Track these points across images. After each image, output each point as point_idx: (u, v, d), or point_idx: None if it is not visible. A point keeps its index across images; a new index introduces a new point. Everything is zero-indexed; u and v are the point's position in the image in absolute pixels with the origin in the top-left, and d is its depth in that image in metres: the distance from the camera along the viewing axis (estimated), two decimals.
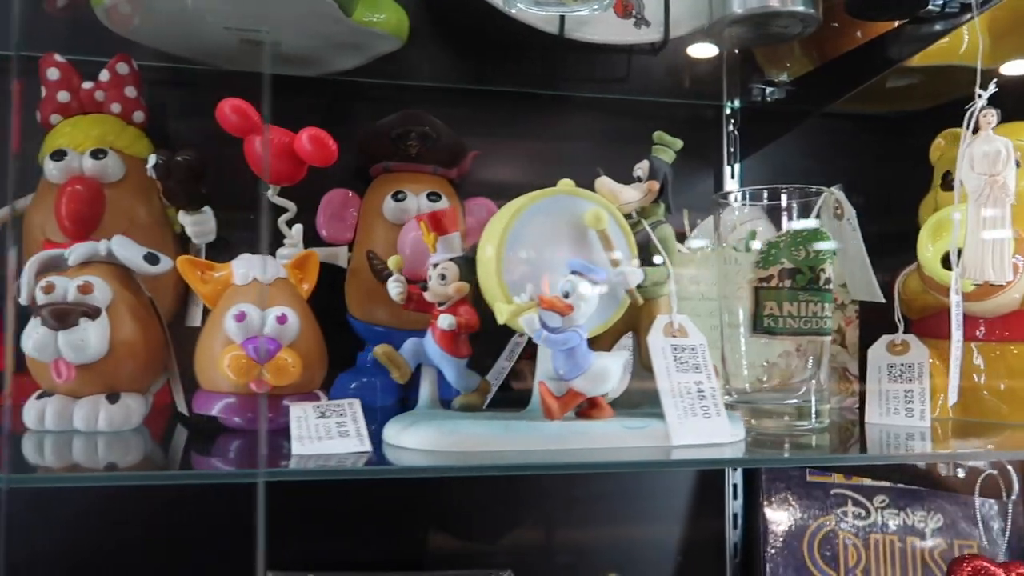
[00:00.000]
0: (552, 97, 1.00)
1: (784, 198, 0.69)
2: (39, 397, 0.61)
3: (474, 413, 0.62)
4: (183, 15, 0.76)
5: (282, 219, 0.74)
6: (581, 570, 0.96)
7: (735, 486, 1.01)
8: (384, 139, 0.82)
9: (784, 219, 0.69)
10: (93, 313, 0.59)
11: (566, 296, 0.56)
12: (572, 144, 1.01)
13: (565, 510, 0.97)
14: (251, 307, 0.59)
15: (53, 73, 0.79)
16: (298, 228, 0.75)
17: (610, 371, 0.57)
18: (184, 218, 0.74)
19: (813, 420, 0.68)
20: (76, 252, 0.63)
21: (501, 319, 0.57)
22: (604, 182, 0.63)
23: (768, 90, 0.95)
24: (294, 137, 0.67)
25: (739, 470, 1.01)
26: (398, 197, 0.81)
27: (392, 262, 0.64)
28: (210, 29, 0.79)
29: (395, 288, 0.63)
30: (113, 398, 0.61)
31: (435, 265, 0.62)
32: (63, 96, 0.79)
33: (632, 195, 0.64)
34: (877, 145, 1.05)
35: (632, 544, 1.00)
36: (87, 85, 0.80)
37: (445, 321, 0.60)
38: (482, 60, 0.97)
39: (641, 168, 0.65)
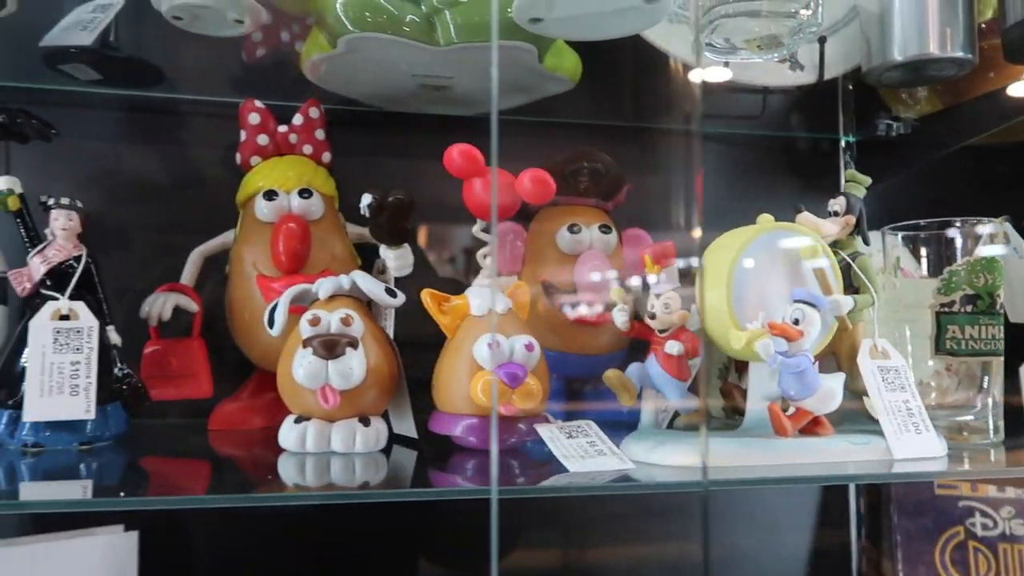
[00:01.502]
0: (683, 133, 1.06)
1: (955, 229, 0.75)
2: (297, 421, 0.66)
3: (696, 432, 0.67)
4: (381, 66, 0.82)
5: (481, 252, 0.79)
6: None
7: (859, 499, 1.07)
8: (556, 175, 0.88)
9: (958, 249, 0.74)
10: (355, 343, 0.64)
11: (796, 323, 0.62)
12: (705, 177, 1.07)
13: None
14: (501, 336, 0.64)
15: (254, 118, 0.84)
16: (491, 260, 0.80)
17: (836, 392, 0.62)
18: (386, 253, 0.80)
19: (991, 435, 0.73)
20: (324, 287, 0.68)
21: (737, 345, 0.63)
22: (807, 217, 0.69)
23: (894, 125, 1.01)
24: (515, 179, 0.72)
25: (864, 485, 1.06)
26: (573, 230, 0.86)
27: (615, 294, 0.70)
28: (398, 76, 0.85)
29: (621, 317, 0.68)
30: (365, 421, 0.66)
31: (658, 295, 0.67)
32: (262, 139, 0.84)
33: (831, 229, 0.69)
34: (992, 176, 1.11)
35: (761, 553, 1.05)
36: (282, 129, 0.85)
37: (674, 347, 0.65)
38: (621, 96, 1.04)
39: (838, 204, 0.71)
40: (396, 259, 0.80)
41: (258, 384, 0.85)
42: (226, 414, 0.83)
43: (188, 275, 0.83)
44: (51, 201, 0.71)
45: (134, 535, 0.83)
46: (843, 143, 1.09)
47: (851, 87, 1.02)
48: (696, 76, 0.80)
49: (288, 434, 0.66)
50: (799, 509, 1.07)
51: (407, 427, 0.72)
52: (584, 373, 0.86)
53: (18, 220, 0.71)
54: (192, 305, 0.80)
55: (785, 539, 1.07)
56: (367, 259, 0.87)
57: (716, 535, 1.03)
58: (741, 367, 0.74)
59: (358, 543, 0.92)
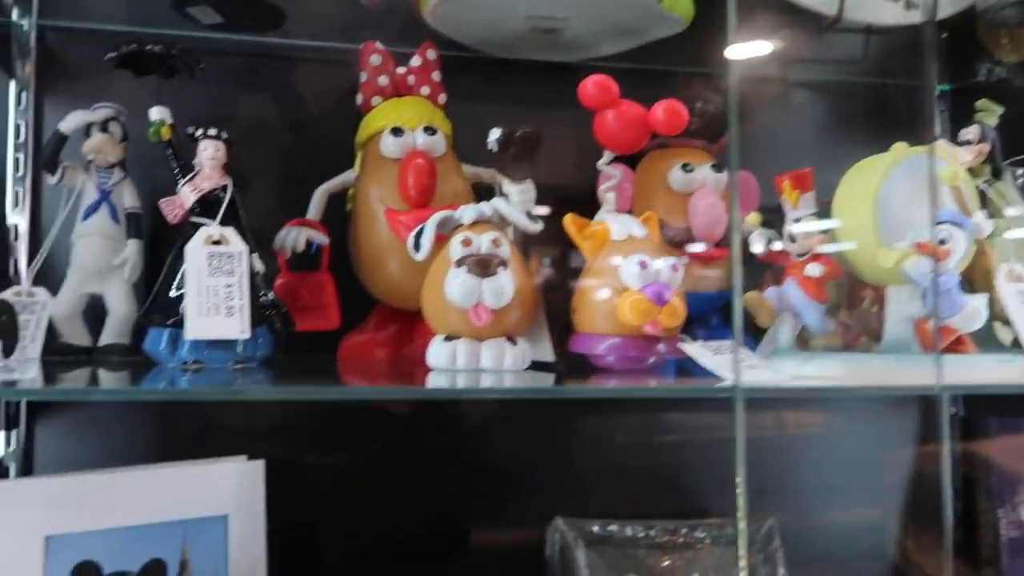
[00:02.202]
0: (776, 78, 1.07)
1: None
2: (446, 339, 0.68)
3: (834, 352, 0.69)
4: (496, 6, 0.83)
5: (605, 187, 0.81)
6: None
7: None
8: None
9: None
10: (505, 264, 0.66)
11: (942, 243, 0.63)
12: (795, 124, 1.08)
13: None
14: (647, 256, 0.66)
15: (375, 59, 0.86)
16: (612, 195, 0.82)
17: (980, 311, 0.64)
18: (509, 188, 0.81)
19: None
20: (467, 213, 0.70)
21: (886, 264, 0.64)
22: (943, 145, 0.70)
23: (995, 69, 1.01)
24: (645, 111, 0.74)
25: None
26: (687, 168, 0.87)
27: (752, 220, 0.71)
28: (512, 18, 0.86)
29: (759, 242, 0.70)
30: (512, 341, 0.68)
31: (797, 220, 0.68)
32: (383, 80, 0.86)
33: (965, 157, 0.70)
34: None
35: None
36: (401, 70, 0.87)
37: (816, 270, 0.67)
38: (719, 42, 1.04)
39: (971, 132, 0.71)
40: (520, 193, 0.82)
41: (381, 318, 0.87)
42: (354, 345, 0.86)
43: (314, 211, 0.85)
44: (199, 132, 0.73)
45: (260, 464, 0.86)
46: (938, 91, 1.09)
47: (947, 35, 1.02)
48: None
49: (438, 352, 0.68)
50: None
51: (543, 351, 0.74)
52: (694, 311, 0.87)
53: (168, 150, 0.74)
54: (322, 238, 0.83)
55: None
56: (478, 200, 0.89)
57: None
58: (853, 303, 0.76)
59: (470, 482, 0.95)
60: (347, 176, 0.87)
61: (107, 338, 0.81)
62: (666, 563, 0.91)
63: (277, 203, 0.91)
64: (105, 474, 0.79)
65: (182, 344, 0.70)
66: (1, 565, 0.73)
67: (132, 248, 0.80)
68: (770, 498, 0.96)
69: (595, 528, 0.90)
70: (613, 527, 0.90)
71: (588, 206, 0.83)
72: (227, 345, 0.71)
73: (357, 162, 0.87)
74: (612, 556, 0.90)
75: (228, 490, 0.84)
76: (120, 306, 0.80)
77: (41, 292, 0.81)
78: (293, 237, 0.81)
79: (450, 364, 0.67)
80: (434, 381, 0.66)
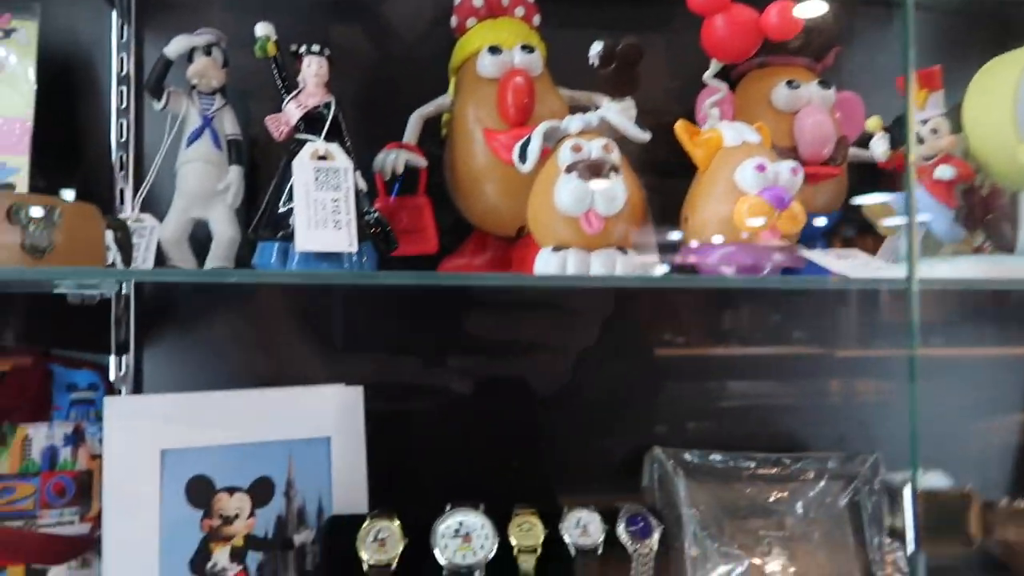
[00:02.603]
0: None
1: None
2: (555, 250, 0.67)
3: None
4: None
5: (710, 101, 0.78)
6: None
7: None
8: None
9: None
10: (618, 169, 0.64)
11: None
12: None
13: None
14: (766, 160, 0.63)
15: None
16: (716, 111, 0.79)
17: None
18: (610, 106, 0.79)
19: None
20: (573, 122, 0.69)
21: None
22: None
23: None
24: (758, 15, 0.71)
25: None
26: (792, 85, 0.84)
27: (873, 123, 0.68)
28: None
29: (881, 146, 0.66)
30: (623, 250, 0.67)
31: (925, 121, 0.65)
32: (478, 1, 0.85)
33: None
34: None
35: None
36: None
37: (946, 172, 0.63)
38: None
39: None
40: (622, 111, 0.79)
41: (477, 243, 0.87)
42: (451, 269, 0.85)
43: (410, 136, 0.85)
44: (303, 48, 0.73)
45: (359, 389, 0.87)
46: None
47: None
48: None
49: (547, 262, 0.67)
50: None
51: (651, 266, 0.72)
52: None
53: (273, 66, 0.74)
54: (421, 160, 0.82)
55: None
56: None
57: None
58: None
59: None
60: (442, 101, 0.86)
61: (212, 262, 0.82)
62: (769, 495, 0.88)
63: (372, 130, 0.90)
64: (216, 394, 0.81)
65: (292, 257, 0.71)
66: (123, 476, 0.75)
67: (234, 174, 0.80)
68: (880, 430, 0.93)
69: (695, 458, 0.88)
70: (714, 457, 0.88)
71: None
72: (334, 259, 0.71)
73: (452, 86, 0.86)
74: (712, 486, 0.88)
75: (330, 414, 0.85)
76: (224, 230, 0.81)
77: (148, 218, 0.83)
78: (392, 159, 0.81)
79: (560, 272, 0.66)
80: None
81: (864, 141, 0.84)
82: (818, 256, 0.62)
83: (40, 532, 0.76)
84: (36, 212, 0.51)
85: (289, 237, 0.70)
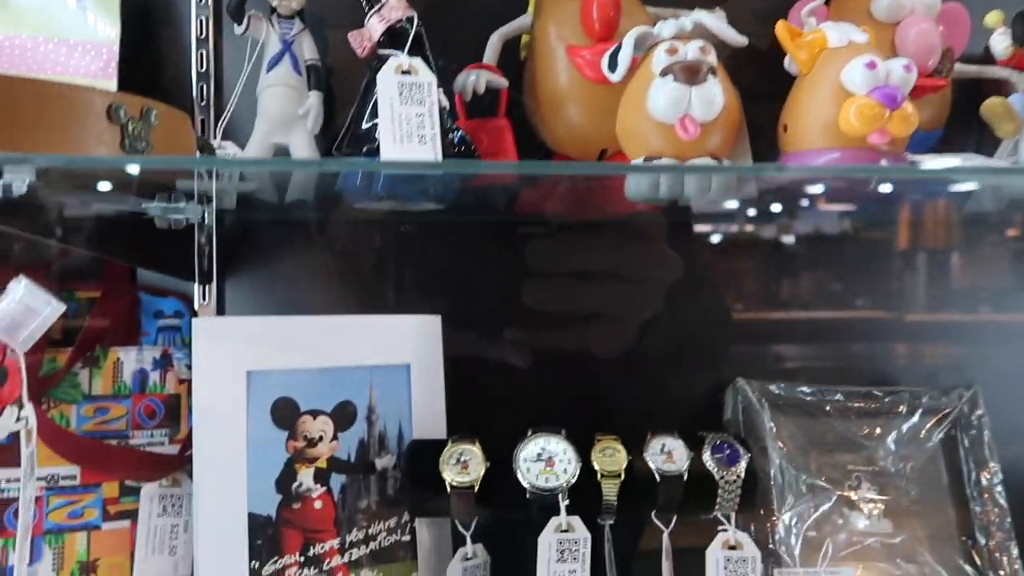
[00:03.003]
0: None
1: None
2: (646, 160, 0.65)
3: None
4: None
5: (807, 9, 0.74)
6: None
7: None
8: None
9: None
10: (715, 71, 0.62)
11: None
12: None
13: None
14: (877, 57, 0.60)
15: None
16: (813, 20, 0.75)
17: None
18: (699, 13, 0.76)
19: None
20: (665, 27, 0.66)
21: None
22: None
23: None
24: None
25: None
26: None
27: (993, 18, 0.63)
28: None
29: (1002, 42, 0.62)
30: (718, 161, 0.64)
31: None
32: None
33: None
34: None
35: None
36: None
37: None
38: None
39: None
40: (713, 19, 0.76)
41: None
42: (531, 196, 0.84)
43: (490, 57, 0.83)
44: None
45: (438, 318, 0.86)
46: None
47: None
48: None
49: (639, 181, 0.65)
50: None
51: (746, 187, 0.69)
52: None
53: None
54: (502, 81, 0.80)
55: None
56: None
57: None
58: None
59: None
60: (522, 21, 0.84)
61: (294, 193, 0.82)
62: (858, 429, 0.85)
63: (450, 52, 0.89)
64: (300, 318, 0.82)
65: (377, 179, 0.70)
66: (211, 395, 0.76)
67: (314, 99, 0.80)
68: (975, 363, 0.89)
69: (780, 390, 0.86)
70: (801, 389, 0.86)
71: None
72: (420, 181, 0.70)
73: (531, 6, 0.84)
74: (799, 419, 0.85)
75: (409, 342, 0.85)
76: (304, 156, 0.81)
77: (230, 145, 0.84)
78: (473, 80, 0.80)
79: (652, 193, 0.64)
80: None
81: (966, 58, 0.80)
82: (931, 160, 0.58)
83: (135, 449, 0.78)
84: (135, 111, 0.51)
85: (374, 153, 0.69)
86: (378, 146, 0.68)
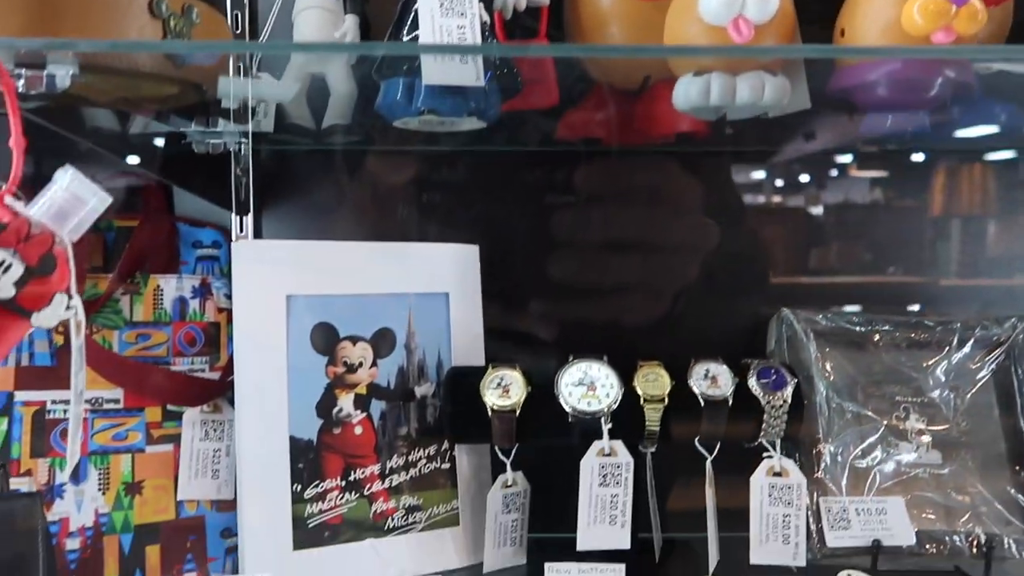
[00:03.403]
0: None
1: None
2: (696, 75, 0.63)
3: None
4: None
5: None
6: None
7: None
8: None
9: None
10: None
11: None
12: None
13: None
14: None
15: None
16: None
17: None
18: None
19: None
20: None
21: None
22: None
23: None
24: None
25: None
26: None
27: None
28: None
29: None
30: (772, 72, 0.62)
31: None
32: None
33: None
34: None
35: None
36: None
37: None
38: None
39: None
40: None
41: (599, 97, 0.83)
42: (571, 124, 0.82)
43: None
44: None
45: (475, 248, 0.86)
46: None
47: None
48: None
49: (688, 88, 0.63)
50: None
51: (799, 96, 0.67)
52: None
53: None
54: None
55: None
56: None
57: None
58: None
59: None
60: None
61: (330, 119, 0.81)
62: (906, 360, 0.83)
63: None
64: (339, 243, 0.81)
65: (418, 92, 0.69)
66: (251, 319, 0.76)
67: (350, 22, 0.78)
68: None
69: (826, 320, 0.84)
70: (849, 319, 0.84)
71: None
72: (461, 95, 0.69)
73: None
74: (845, 351, 0.83)
75: (447, 270, 0.84)
76: (341, 85, 0.80)
77: (266, 76, 0.82)
78: None
79: (702, 100, 0.62)
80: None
81: None
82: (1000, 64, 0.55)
83: (177, 372, 0.79)
84: (176, 7, 0.50)
85: (414, 71, 0.68)
86: (419, 62, 0.67)
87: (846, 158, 0.91)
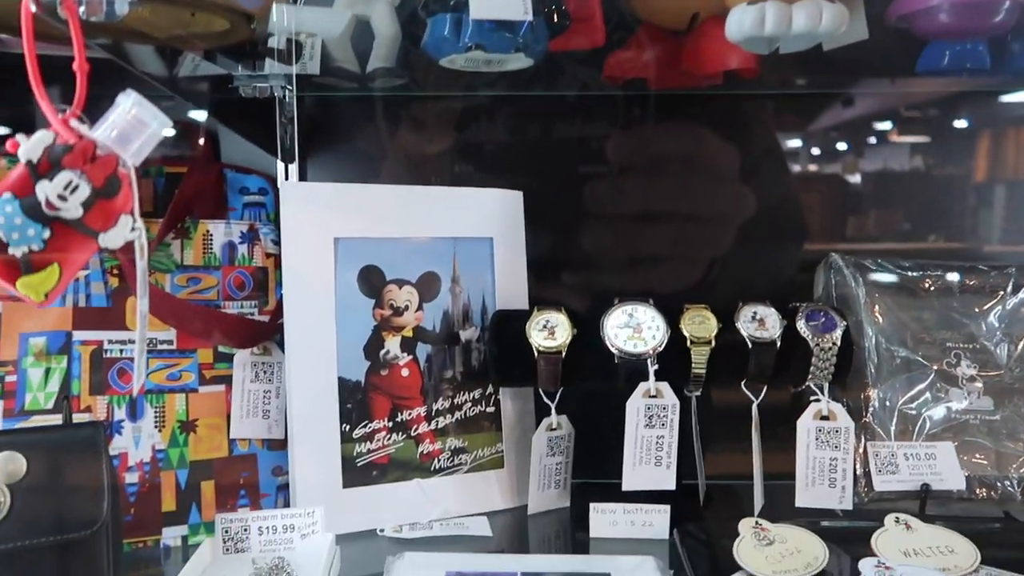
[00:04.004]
0: None
1: None
2: (751, 3, 0.62)
3: None
4: None
5: None
6: None
7: None
8: None
9: None
10: None
11: None
12: None
13: None
14: None
15: None
16: None
17: None
18: None
19: None
20: None
21: None
22: None
23: None
24: None
25: None
26: None
27: None
28: None
29: None
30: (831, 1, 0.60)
31: None
32: None
33: None
34: None
35: None
36: None
37: None
38: None
39: None
40: None
41: (646, 36, 0.82)
42: (618, 63, 0.81)
43: None
44: None
45: (519, 194, 0.85)
46: None
47: None
48: None
49: (742, 17, 0.61)
50: None
51: (857, 26, 0.65)
52: None
53: None
54: None
55: None
56: None
57: None
58: None
59: None
60: None
61: (374, 62, 0.81)
62: (959, 306, 0.82)
63: None
64: (385, 187, 0.82)
65: (465, 28, 0.68)
66: (300, 261, 0.77)
67: None
68: None
69: (876, 265, 0.82)
70: (900, 264, 0.82)
71: None
72: (509, 30, 0.68)
73: None
74: (895, 296, 0.82)
75: (492, 215, 0.84)
76: (386, 27, 0.79)
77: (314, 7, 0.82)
78: None
79: (756, 30, 0.61)
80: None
81: None
82: None
83: (230, 314, 0.80)
84: None
85: (461, 6, 0.67)
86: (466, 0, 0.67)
87: (889, 119, 0.89)
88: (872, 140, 0.91)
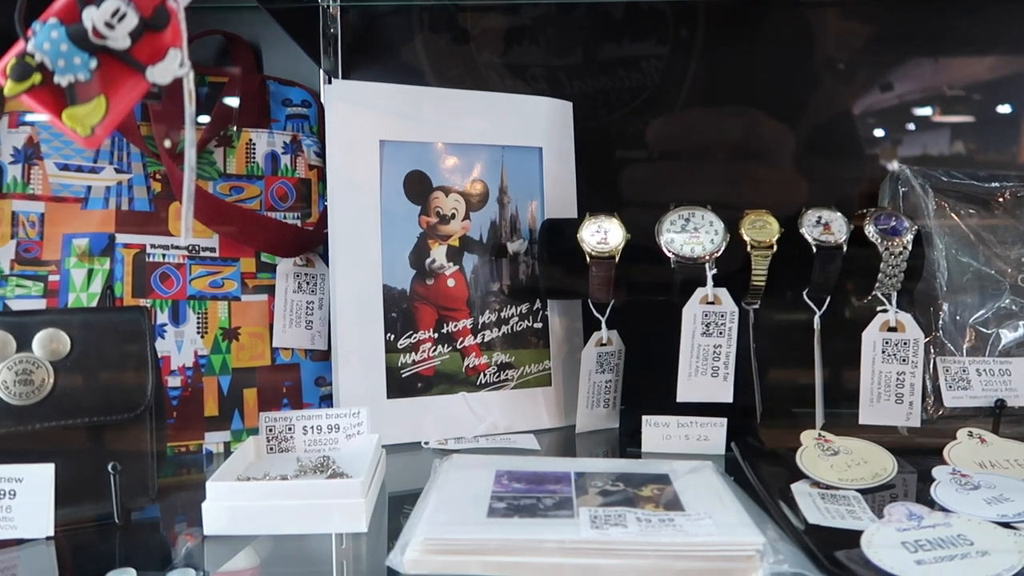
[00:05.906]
0: None
1: None
2: None
3: None
4: None
5: None
6: None
7: None
8: None
9: None
10: None
11: None
12: None
13: None
14: None
15: None
16: None
17: None
18: None
19: None
20: None
21: None
22: None
23: None
24: None
25: None
26: None
27: None
28: None
29: None
30: None
31: None
32: None
33: None
34: None
35: None
36: None
37: None
38: None
39: None
40: None
41: None
42: None
43: None
44: None
45: (569, 104, 0.83)
46: None
47: None
48: None
49: None
50: None
51: None
52: None
53: None
54: None
55: None
56: None
57: None
58: None
59: None
60: None
61: None
62: None
63: None
64: (432, 89, 0.79)
65: None
66: (345, 162, 0.75)
67: None
68: None
69: (946, 177, 0.78)
70: (971, 175, 0.78)
71: None
72: None
73: None
74: (966, 209, 0.78)
75: (541, 124, 0.82)
76: None
77: None
78: None
79: None
80: None
81: None
82: None
83: (274, 219, 0.78)
84: None
85: None
86: None
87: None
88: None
